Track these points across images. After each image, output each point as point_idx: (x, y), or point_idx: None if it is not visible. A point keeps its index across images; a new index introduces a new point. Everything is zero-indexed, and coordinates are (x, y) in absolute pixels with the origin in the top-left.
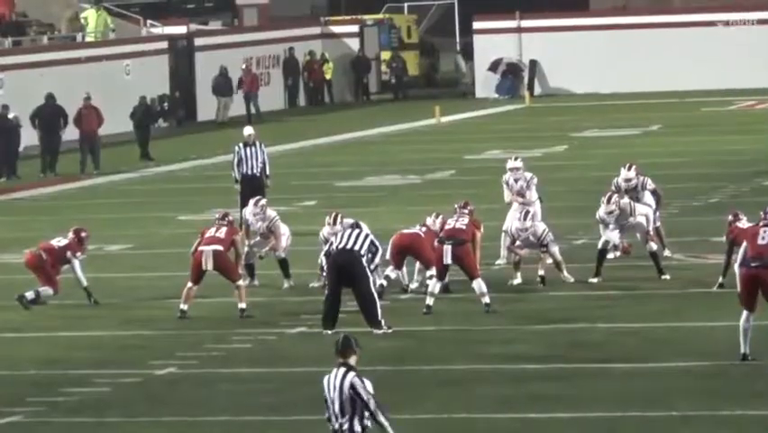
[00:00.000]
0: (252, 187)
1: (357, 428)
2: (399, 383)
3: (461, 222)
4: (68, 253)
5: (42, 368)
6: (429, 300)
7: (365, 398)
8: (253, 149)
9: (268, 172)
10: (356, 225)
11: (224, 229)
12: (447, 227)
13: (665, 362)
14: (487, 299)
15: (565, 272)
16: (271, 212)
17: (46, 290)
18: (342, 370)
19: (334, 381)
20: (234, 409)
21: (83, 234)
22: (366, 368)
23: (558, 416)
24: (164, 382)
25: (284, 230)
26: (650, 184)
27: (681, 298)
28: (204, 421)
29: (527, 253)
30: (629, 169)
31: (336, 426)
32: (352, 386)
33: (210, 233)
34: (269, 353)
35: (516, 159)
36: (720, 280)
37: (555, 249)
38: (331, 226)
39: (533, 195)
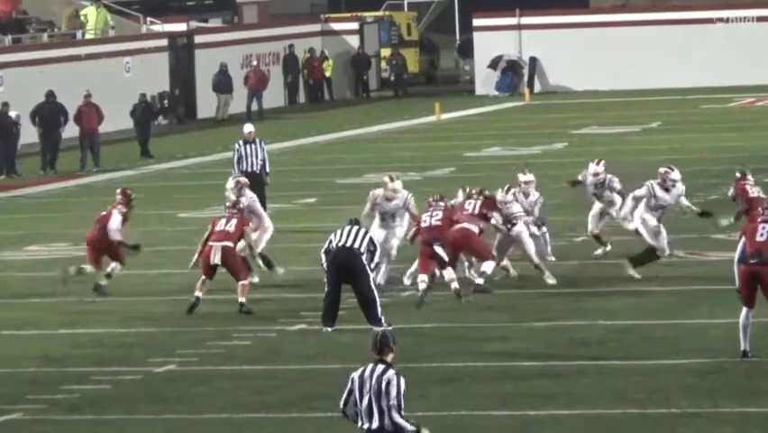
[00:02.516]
0: (252, 184)
1: (387, 423)
2: None
3: (435, 218)
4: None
5: (42, 365)
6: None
7: (393, 395)
8: (253, 146)
9: (268, 170)
10: (356, 222)
11: (233, 221)
12: (423, 225)
13: (665, 359)
14: (456, 285)
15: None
16: (249, 192)
17: (88, 268)
18: (381, 366)
19: (370, 376)
20: (234, 407)
21: (128, 192)
22: None
23: (557, 413)
24: (164, 379)
25: (268, 223)
26: (617, 184)
27: (680, 295)
28: (204, 419)
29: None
30: (598, 164)
31: (366, 426)
32: (389, 382)
33: (220, 226)
34: (269, 350)
35: (527, 173)
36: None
37: (526, 237)
38: (386, 187)
39: (535, 213)
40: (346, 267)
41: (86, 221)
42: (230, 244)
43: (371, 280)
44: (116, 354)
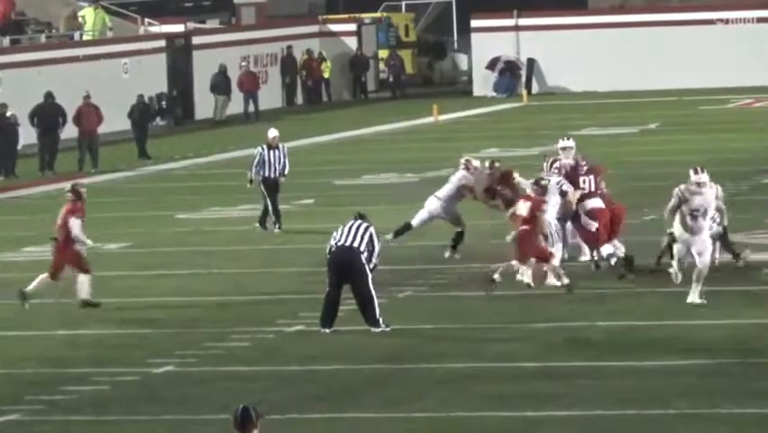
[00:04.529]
0: (272, 188)
1: None
2: (397, 381)
3: None
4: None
5: (41, 366)
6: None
7: None
8: (276, 152)
9: (286, 171)
10: (361, 217)
11: (527, 205)
12: None
13: (664, 360)
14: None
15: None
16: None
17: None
18: None
19: None
20: (232, 408)
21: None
22: (364, 366)
23: (556, 414)
24: (162, 380)
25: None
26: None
27: (679, 295)
28: (202, 420)
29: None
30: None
31: None
32: None
33: (520, 210)
34: (268, 351)
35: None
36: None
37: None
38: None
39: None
40: (345, 266)
41: (85, 222)
42: (525, 227)
43: (370, 280)
44: (115, 355)
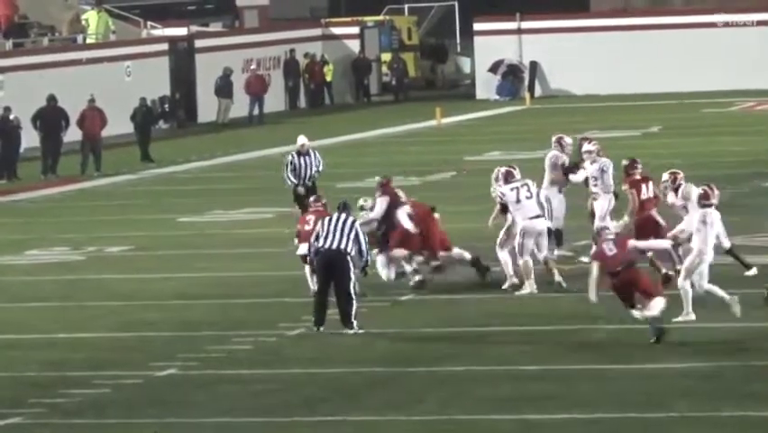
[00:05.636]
0: (307, 194)
1: None
2: (397, 384)
3: None
4: None
5: (43, 370)
6: None
7: None
8: (307, 158)
9: (320, 169)
10: (344, 208)
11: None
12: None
13: (664, 362)
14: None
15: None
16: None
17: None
18: None
19: None
20: (235, 411)
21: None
22: (365, 369)
23: (557, 417)
24: (164, 383)
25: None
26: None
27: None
28: (204, 423)
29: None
30: (590, 143)
31: None
32: None
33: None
34: (270, 354)
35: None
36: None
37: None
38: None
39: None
40: (332, 268)
41: (87, 225)
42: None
43: (352, 282)
44: (117, 358)
